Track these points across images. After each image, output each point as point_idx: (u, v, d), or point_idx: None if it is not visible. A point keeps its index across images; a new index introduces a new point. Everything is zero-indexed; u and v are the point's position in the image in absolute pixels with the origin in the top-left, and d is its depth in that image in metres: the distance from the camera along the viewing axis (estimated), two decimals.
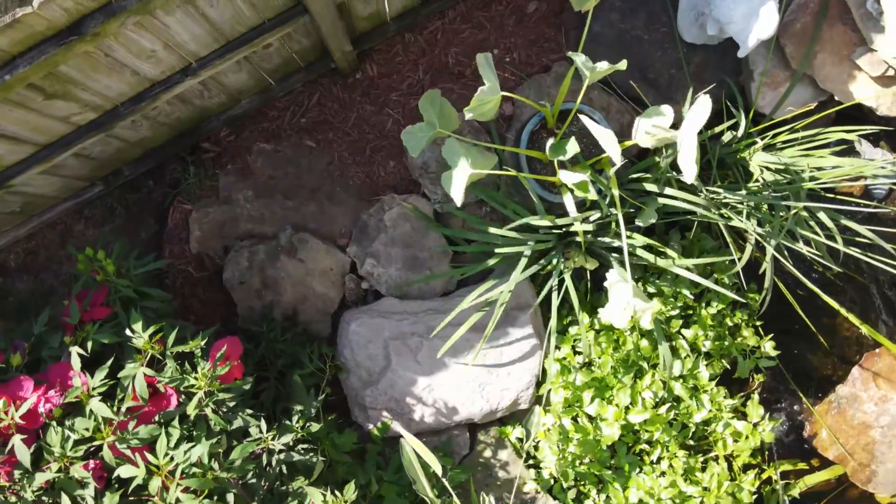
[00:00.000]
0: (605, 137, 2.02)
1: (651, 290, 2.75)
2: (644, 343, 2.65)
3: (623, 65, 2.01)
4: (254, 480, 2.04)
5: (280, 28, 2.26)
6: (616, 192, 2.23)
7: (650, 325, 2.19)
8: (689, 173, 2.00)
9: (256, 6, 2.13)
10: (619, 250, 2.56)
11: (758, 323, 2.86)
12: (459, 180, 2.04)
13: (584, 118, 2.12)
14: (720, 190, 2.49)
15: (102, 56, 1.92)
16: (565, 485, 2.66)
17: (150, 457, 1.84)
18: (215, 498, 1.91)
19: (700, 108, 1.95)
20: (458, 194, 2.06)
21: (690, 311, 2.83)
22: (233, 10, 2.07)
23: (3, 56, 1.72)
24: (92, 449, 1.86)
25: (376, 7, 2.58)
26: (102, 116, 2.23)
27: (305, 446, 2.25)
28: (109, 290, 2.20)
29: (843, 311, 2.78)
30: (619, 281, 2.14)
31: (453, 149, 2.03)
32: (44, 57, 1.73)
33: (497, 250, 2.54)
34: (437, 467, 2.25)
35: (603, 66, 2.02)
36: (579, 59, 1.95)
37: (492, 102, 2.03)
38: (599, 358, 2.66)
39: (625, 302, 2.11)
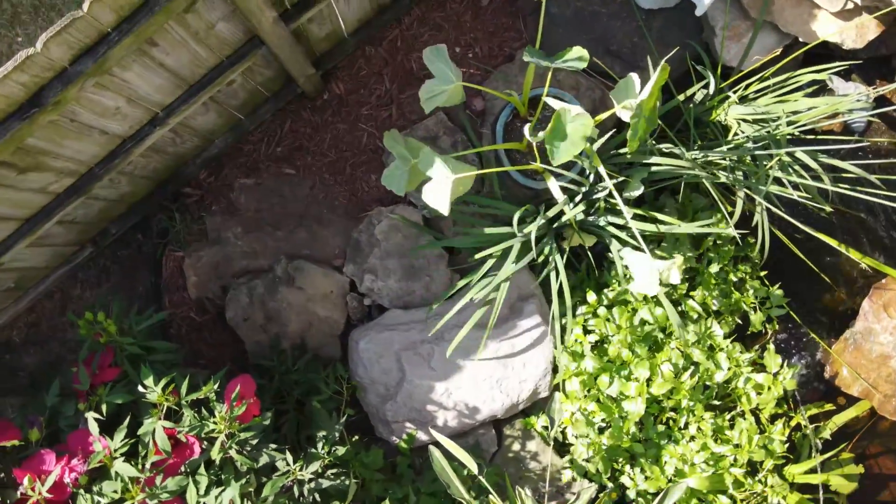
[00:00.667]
0: None
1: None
2: (659, 311, 2.65)
3: (583, 63, 2.01)
4: None
5: (240, 63, 2.27)
6: (602, 169, 2.22)
7: (678, 280, 2.16)
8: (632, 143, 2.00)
9: (212, 47, 2.13)
10: (612, 227, 2.56)
11: (762, 273, 2.86)
12: (443, 189, 1.95)
13: (552, 101, 2.11)
14: (699, 151, 2.49)
15: (68, 122, 1.92)
16: (606, 473, 2.66)
17: None
18: None
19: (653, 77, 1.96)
20: (444, 205, 1.96)
21: (694, 274, 2.83)
22: (189, 55, 2.08)
23: None
24: None
25: (332, 26, 2.58)
26: (79, 181, 2.23)
27: (335, 471, 2.25)
28: (115, 351, 2.20)
29: (843, 247, 2.78)
30: (633, 253, 2.14)
31: (429, 159, 1.96)
32: (9, 133, 1.74)
33: (487, 251, 2.54)
34: (472, 466, 2.25)
35: (559, 61, 2.02)
36: (534, 58, 1.95)
37: (449, 90, 2.02)
38: (614, 335, 2.66)
39: (648, 268, 2.11)
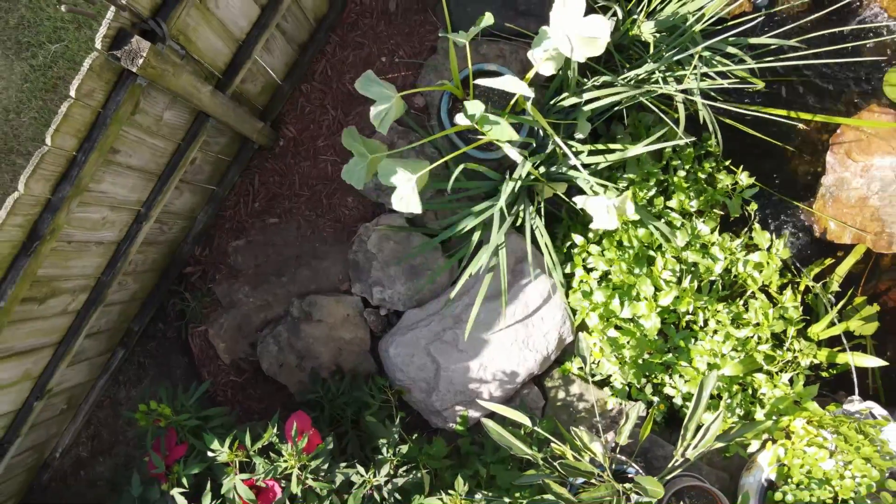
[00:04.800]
0: (506, 83, 2.18)
1: (623, 184, 2.91)
2: (641, 231, 2.81)
3: (490, 20, 2.17)
4: None
5: (195, 141, 2.44)
6: (543, 122, 2.39)
7: (635, 214, 2.34)
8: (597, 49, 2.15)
9: (166, 136, 2.30)
10: (573, 170, 2.72)
11: (727, 163, 3.01)
12: (408, 192, 2.16)
13: (480, 81, 2.27)
14: (630, 73, 2.65)
15: (66, 244, 2.10)
16: (639, 384, 2.82)
17: None
18: None
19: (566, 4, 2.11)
20: (415, 205, 2.17)
21: (666, 184, 2.99)
22: (149, 150, 2.25)
23: None
24: None
25: (265, 79, 2.75)
26: (92, 293, 2.41)
27: (405, 468, 2.42)
28: (176, 430, 2.38)
29: (792, 114, 2.93)
30: (587, 197, 2.31)
31: (389, 168, 2.16)
32: (21, 271, 1.92)
33: (467, 227, 2.71)
34: (525, 420, 2.41)
35: (473, 29, 2.18)
36: (449, 40, 2.12)
37: (393, 105, 2.19)
38: (612, 266, 2.82)
39: (605, 207, 2.28)
